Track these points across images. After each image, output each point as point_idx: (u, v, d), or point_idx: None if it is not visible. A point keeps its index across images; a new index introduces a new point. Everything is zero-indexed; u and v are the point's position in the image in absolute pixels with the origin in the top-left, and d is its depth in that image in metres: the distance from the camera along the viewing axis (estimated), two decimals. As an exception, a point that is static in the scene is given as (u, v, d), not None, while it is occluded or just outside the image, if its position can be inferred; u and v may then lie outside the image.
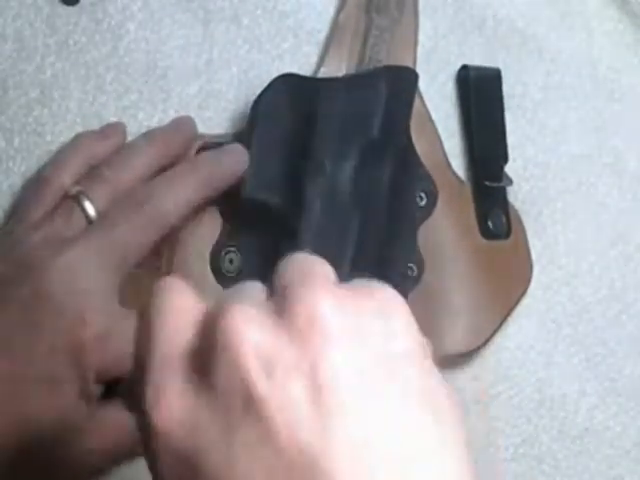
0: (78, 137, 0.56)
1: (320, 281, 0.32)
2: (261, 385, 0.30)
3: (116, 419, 0.51)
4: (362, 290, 0.33)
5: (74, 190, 0.53)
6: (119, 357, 0.49)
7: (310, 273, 0.33)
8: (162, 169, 0.55)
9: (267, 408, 0.29)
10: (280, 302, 0.31)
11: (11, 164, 0.57)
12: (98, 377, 0.49)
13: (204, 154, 0.56)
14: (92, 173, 0.54)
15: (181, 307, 0.33)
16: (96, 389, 0.49)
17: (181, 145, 0.57)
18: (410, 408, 0.30)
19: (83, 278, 0.50)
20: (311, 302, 0.31)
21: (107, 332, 0.49)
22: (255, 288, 0.33)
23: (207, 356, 0.31)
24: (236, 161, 0.55)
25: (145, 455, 0.32)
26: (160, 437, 0.31)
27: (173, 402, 0.31)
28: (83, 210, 0.52)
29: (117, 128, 0.57)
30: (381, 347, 0.31)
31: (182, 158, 0.56)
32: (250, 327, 0.30)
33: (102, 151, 0.55)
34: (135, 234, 0.51)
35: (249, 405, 0.30)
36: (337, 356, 0.30)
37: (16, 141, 0.58)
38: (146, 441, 0.32)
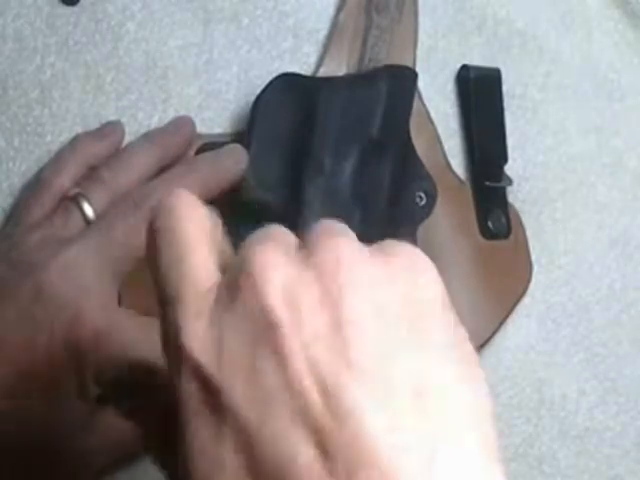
0: (76, 139, 0.56)
1: (348, 235, 0.32)
2: (283, 315, 0.30)
3: (116, 420, 0.51)
4: (390, 247, 0.33)
5: (73, 192, 0.53)
6: (117, 357, 0.49)
7: (338, 229, 0.33)
8: (162, 170, 0.55)
9: (287, 338, 0.29)
10: (308, 249, 0.32)
11: (11, 164, 0.57)
12: (96, 377, 0.49)
13: (203, 155, 0.56)
14: (91, 175, 0.54)
15: (202, 229, 0.33)
16: (95, 390, 0.50)
17: (180, 146, 0.57)
18: (432, 349, 0.31)
19: (81, 278, 0.50)
20: (339, 249, 0.31)
21: (105, 331, 0.49)
22: (285, 233, 0.34)
23: (234, 283, 0.31)
24: (236, 162, 0.55)
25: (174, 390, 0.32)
26: (188, 363, 0.31)
27: (200, 328, 0.31)
28: (81, 211, 0.52)
29: (115, 127, 0.57)
30: (407, 293, 0.31)
31: (182, 158, 0.56)
32: (279, 261, 0.31)
33: (101, 151, 0.55)
34: (132, 234, 0.51)
35: (272, 336, 0.30)
36: (361, 295, 0.30)
37: (16, 141, 0.58)
38: (174, 372, 0.32)
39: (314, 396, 0.29)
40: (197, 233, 0.34)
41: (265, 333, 0.30)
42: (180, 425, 0.31)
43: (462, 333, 0.33)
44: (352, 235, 0.33)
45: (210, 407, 0.30)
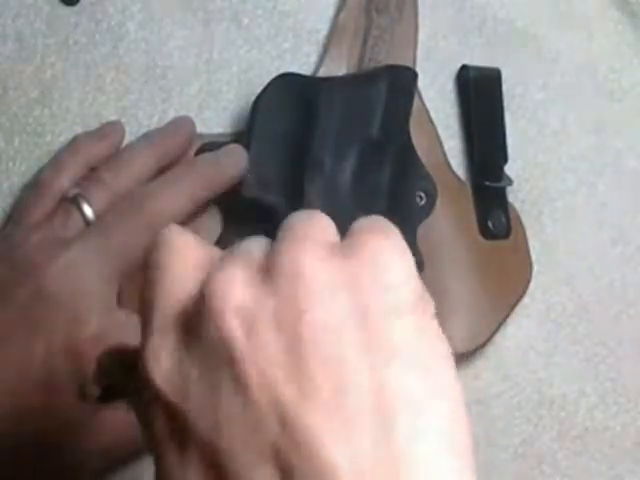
0: (76, 139, 0.56)
1: (310, 235, 0.31)
2: (240, 342, 0.29)
3: (115, 420, 0.51)
4: (357, 241, 0.31)
5: (72, 193, 0.53)
6: None
7: (302, 228, 0.32)
8: (161, 170, 0.55)
9: (244, 366, 0.29)
10: (270, 258, 0.31)
11: (11, 164, 0.57)
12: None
13: (203, 155, 0.56)
14: (90, 176, 0.54)
15: (182, 261, 0.33)
16: (94, 390, 0.49)
17: (180, 146, 0.57)
18: (395, 360, 0.29)
19: (81, 279, 0.50)
20: (296, 257, 0.30)
21: (104, 332, 0.49)
22: (254, 245, 0.33)
23: (196, 316, 0.30)
24: (235, 162, 0.55)
25: (138, 418, 0.32)
26: (153, 393, 0.31)
27: (165, 359, 0.31)
28: (81, 212, 0.52)
29: (115, 127, 0.57)
30: (370, 299, 0.30)
31: (181, 159, 0.56)
32: (233, 287, 0.30)
33: (100, 152, 0.55)
34: (132, 235, 0.51)
35: (230, 364, 0.29)
36: (318, 311, 0.29)
37: (16, 141, 0.58)
38: (142, 400, 0.32)
39: (274, 426, 0.28)
40: (181, 264, 0.33)
41: (224, 361, 0.29)
42: (150, 449, 0.31)
43: (434, 334, 0.31)
44: (320, 227, 0.32)
45: (176, 434, 0.30)
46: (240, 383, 0.29)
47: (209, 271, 0.31)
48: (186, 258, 0.32)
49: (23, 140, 0.58)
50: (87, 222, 0.52)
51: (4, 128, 0.58)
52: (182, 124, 0.58)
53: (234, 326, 0.29)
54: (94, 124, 0.58)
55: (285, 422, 0.28)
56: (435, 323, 0.31)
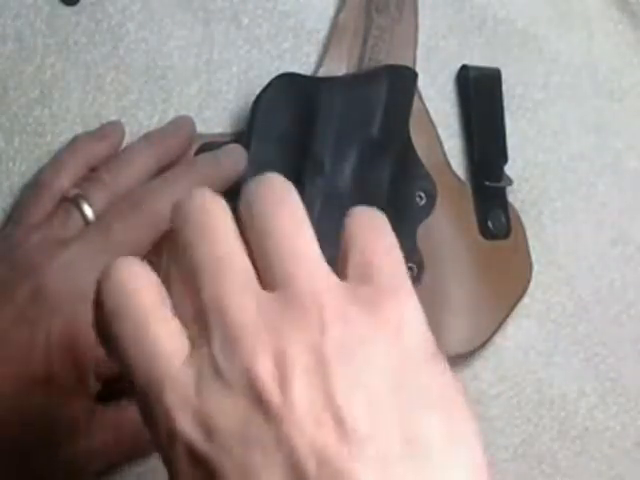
0: (76, 139, 0.56)
1: (329, 280, 0.32)
2: (274, 391, 0.30)
3: (117, 419, 0.51)
4: (376, 292, 0.33)
5: (72, 193, 0.53)
6: None
7: (313, 270, 0.33)
8: (161, 170, 0.55)
9: (280, 415, 0.30)
10: (290, 301, 0.31)
11: (11, 164, 0.57)
12: (96, 374, 0.49)
13: (203, 155, 0.56)
14: (91, 177, 0.54)
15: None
16: (95, 386, 0.49)
17: (180, 146, 0.57)
18: (418, 409, 0.31)
19: (79, 278, 0.50)
20: (323, 307, 0.31)
21: None
22: (246, 270, 0.33)
23: (214, 351, 0.31)
24: (235, 162, 0.55)
25: (163, 460, 0.32)
26: (178, 440, 0.31)
27: (188, 408, 0.31)
28: (81, 212, 0.52)
29: (115, 127, 0.57)
30: (391, 347, 0.31)
31: (181, 159, 0.56)
32: (259, 326, 0.31)
33: (100, 152, 0.55)
34: (131, 234, 0.51)
35: (261, 410, 0.30)
36: (349, 363, 0.30)
37: (16, 141, 0.58)
38: (164, 444, 0.32)
39: (312, 470, 0.29)
40: (149, 302, 0.33)
41: (256, 408, 0.30)
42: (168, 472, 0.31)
43: (450, 383, 0.32)
44: (331, 278, 0.33)
45: (200, 473, 0.30)
46: (276, 432, 0.30)
47: (220, 307, 0.31)
48: (151, 291, 0.33)
49: (23, 140, 0.58)
50: (87, 222, 0.52)
51: (4, 128, 0.57)
52: (182, 124, 0.58)
53: (267, 372, 0.30)
54: (94, 124, 0.58)
55: (323, 466, 0.29)
56: (445, 362, 0.33)
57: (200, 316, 0.32)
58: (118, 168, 0.54)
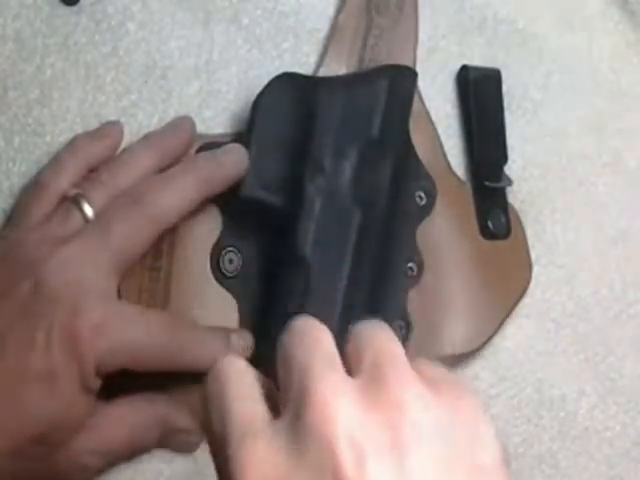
0: (75, 140, 0.56)
1: (404, 368, 0.33)
2: (351, 471, 0.30)
3: (118, 416, 0.51)
4: (444, 387, 0.33)
5: (72, 192, 0.53)
6: (117, 349, 0.49)
7: (392, 355, 0.34)
8: (162, 171, 0.55)
9: None
10: (367, 381, 0.32)
11: (11, 164, 0.57)
12: (97, 370, 0.49)
13: (203, 153, 0.56)
14: (90, 177, 0.54)
15: (245, 376, 0.35)
16: (96, 382, 0.50)
17: (180, 147, 0.57)
18: None
19: (80, 273, 0.50)
20: (403, 392, 0.32)
21: (103, 323, 0.49)
22: (332, 354, 0.34)
23: (296, 425, 0.32)
24: (236, 161, 0.55)
25: None
26: None
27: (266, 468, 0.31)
28: (81, 211, 0.52)
29: (114, 127, 0.57)
30: (469, 455, 0.32)
31: (181, 159, 0.56)
32: (342, 406, 0.31)
33: (100, 152, 0.55)
34: (132, 231, 0.51)
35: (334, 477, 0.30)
36: (424, 448, 0.31)
37: (16, 141, 0.58)
38: None
39: None
40: (241, 389, 0.35)
41: (329, 476, 0.30)
42: None
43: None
44: (404, 357, 0.34)
45: None
46: None
47: (303, 374, 0.32)
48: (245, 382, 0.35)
49: (23, 140, 0.58)
50: (87, 220, 0.52)
51: (4, 128, 0.57)
52: (182, 125, 0.58)
53: (345, 450, 0.30)
54: (94, 124, 0.58)
55: None
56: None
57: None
58: (118, 168, 0.54)
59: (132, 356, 0.50)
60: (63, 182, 0.53)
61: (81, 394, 0.49)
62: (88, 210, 0.52)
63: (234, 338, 0.54)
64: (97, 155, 0.55)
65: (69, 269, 0.50)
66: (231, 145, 0.56)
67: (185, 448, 0.55)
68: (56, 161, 0.55)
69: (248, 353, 0.55)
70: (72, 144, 0.56)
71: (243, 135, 0.57)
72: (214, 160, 0.55)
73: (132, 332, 0.50)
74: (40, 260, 0.50)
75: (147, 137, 0.57)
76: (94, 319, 0.49)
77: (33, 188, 0.55)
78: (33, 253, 0.50)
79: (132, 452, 0.53)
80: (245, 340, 0.55)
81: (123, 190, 0.53)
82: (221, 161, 0.55)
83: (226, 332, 0.55)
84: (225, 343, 0.54)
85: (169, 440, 0.54)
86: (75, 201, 0.52)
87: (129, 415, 0.52)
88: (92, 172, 0.55)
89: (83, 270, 0.50)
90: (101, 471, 0.52)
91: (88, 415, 0.50)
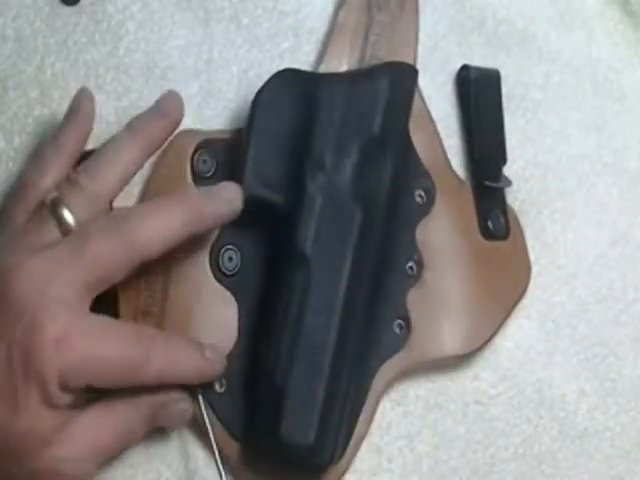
0: (56, 135, 0.54)
1: None
2: None
3: (97, 421, 0.50)
4: None
5: (51, 197, 0.51)
6: (81, 364, 0.48)
7: None
8: (150, 155, 0.54)
9: None
10: None
11: (11, 165, 0.57)
12: (63, 385, 0.47)
13: (199, 189, 0.55)
14: (70, 179, 0.52)
15: None
16: (63, 397, 0.48)
17: (167, 131, 0.55)
18: None
19: (46, 286, 0.48)
20: None
21: (65, 338, 0.47)
22: None
23: None
24: (230, 199, 0.54)
25: None
26: None
27: None
28: (58, 218, 0.50)
29: (84, 107, 0.55)
30: None
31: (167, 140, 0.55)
32: None
33: (83, 145, 0.54)
34: (108, 252, 0.49)
35: None
36: None
37: (16, 141, 0.58)
38: None
39: None
40: None
41: None
42: None
43: None
44: None
45: None
46: None
47: None
48: None
49: (23, 140, 0.58)
50: (65, 227, 0.50)
51: (4, 128, 0.58)
52: (169, 106, 0.56)
53: None
54: (94, 124, 0.58)
55: None
56: None
57: None
58: (99, 168, 0.52)
59: (99, 371, 0.48)
60: (47, 181, 0.52)
61: (45, 410, 0.48)
62: (68, 217, 0.50)
63: (208, 351, 0.53)
64: (81, 149, 0.54)
65: (35, 282, 0.48)
66: (226, 183, 0.55)
67: (178, 419, 0.54)
68: (39, 158, 0.54)
69: (222, 368, 0.54)
70: (55, 138, 0.54)
71: (243, 131, 0.57)
72: (207, 195, 0.54)
73: (98, 347, 0.48)
74: (8, 269, 0.48)
75: (130, 125, 0.55)
76: (54, 333, 0.47)
77: (17, 188, 0.53)
78: (5, 261, 0.49)
79: (121, 447, 0.52)
80: (219, 354, 0.54)
81: (104, 191, 0.52)
82: (214, 196, 0.54)
83: (200, 344, 0.53)
84: (200, 353, 0.53)
85: (159, 418, 0.53)
86: (53, 207, 0.51)
87: (109, 415, 0.50)
88: (74, 170, 0.53)
89: (50, 284, 0.48)
90: (93, 474, 0.51)
91: (57, 428, 0.48)
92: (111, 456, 0.52)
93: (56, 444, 0.48)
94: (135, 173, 0.54)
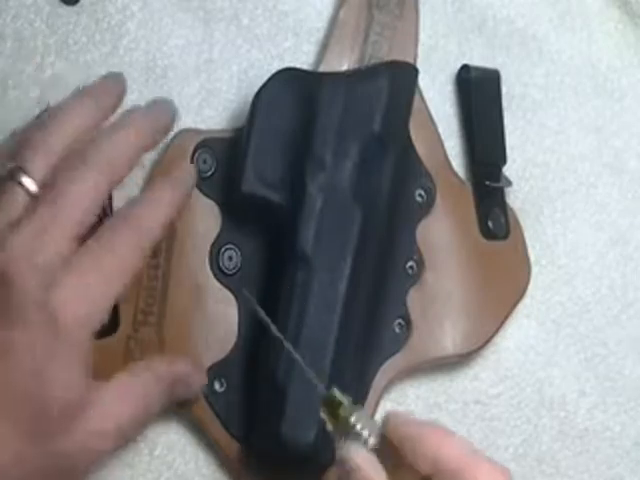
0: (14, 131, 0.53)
1: None
2: None
3: (118, 391, 0.49)
4: None
5: (8, 167, 0.48)
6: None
7: None
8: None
9: None
10: None
11: (11, 164, 0.57)
12: None
13: (134, 109, 0.53)
14: (23, 144, 0.49)
15: None
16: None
17: (116, 94, 0.53)
18: None
19: (38, 254, 0.46)
20: None
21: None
22: None
23: None
24: (166, 110, 0.53)
25: None
26: None
27: None
28: (22, 186, 0.48)
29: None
30: None
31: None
32: None
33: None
34: (86, 191, 0.48)
35: None
36: None
37: (16, 141, 0.58)
38: None
39: None
40: None
41: None
42: None
43: None
44: None
45: None
46: None
47: None
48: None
49: (23, 140, 0.58)
50: (30, 194, 0.48)
51: (4, 128, 0.57)
52: (117, 77, 0.54)
53: None
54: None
55: None
56: None
57: None
58: (48, 127, 0.50)
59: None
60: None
61: (80, 377, 0.47)
62: (29, 183, 0.48)
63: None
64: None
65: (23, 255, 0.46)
66: (159, 99, 0.54)
67: (192, 391, 0.54)
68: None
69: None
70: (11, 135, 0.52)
71: (243, 130, 0.57)
72: (147, 114, 0.52)
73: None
74: None
75: (81, 89, 0.53)
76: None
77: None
78: None
79: (141, 423, 0.51)
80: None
81: (59, 147, 0.49)
82: (154, 115, 0.52)
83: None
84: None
85: (174, 392, 0.52)
86: (12, 177, 0.48)
87: (129, 387, 0.50)
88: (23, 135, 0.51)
89: (41, 248, 0.46)
90: (111, 453, 0.50)
91: (85, 396, 0.47)
92: (130, 431, 0.51)
93: (86, 415, 0.47)
94: (84, 134, 0.51)
